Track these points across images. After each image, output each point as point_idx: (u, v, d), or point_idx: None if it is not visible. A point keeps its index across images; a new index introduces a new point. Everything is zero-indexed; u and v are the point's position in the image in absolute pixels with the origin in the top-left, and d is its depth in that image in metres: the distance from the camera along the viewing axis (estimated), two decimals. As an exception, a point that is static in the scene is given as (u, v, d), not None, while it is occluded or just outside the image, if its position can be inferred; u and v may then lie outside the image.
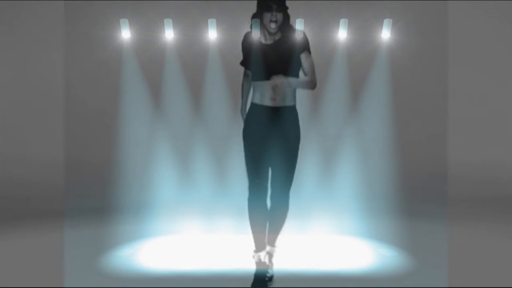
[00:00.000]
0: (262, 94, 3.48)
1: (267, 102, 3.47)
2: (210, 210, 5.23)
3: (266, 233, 3.62)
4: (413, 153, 6.34)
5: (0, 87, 6.43)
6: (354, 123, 6.09)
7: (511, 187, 6.11)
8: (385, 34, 5.42)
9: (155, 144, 6.05)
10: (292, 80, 3.42)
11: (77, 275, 3.63)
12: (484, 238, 4.57)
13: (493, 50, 6.48)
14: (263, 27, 3.45)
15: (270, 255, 3.63)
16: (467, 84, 6.44)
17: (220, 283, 3.54)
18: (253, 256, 3.63)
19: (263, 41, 3.49)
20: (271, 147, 3.51)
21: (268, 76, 3.42)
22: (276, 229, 3.63)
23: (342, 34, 5.38)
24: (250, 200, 3.54)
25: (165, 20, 5.37)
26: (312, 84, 3.49)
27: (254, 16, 3.49)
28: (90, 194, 5.77)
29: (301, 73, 3.53)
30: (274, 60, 3.43)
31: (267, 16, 3.40)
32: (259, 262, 3.59)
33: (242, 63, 3.63)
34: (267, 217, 3.58)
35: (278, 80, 3.35)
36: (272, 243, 3.66)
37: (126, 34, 5.43)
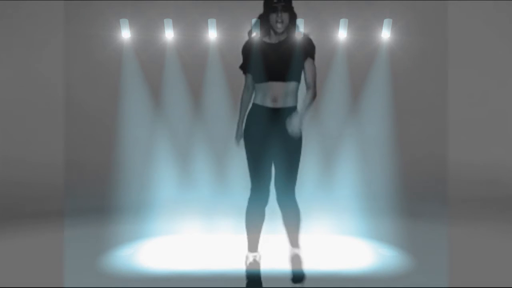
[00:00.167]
0: (263, 95, 3.48)
1: (268, 104, 3.47)
2: (210, 210, 5.23)
3: (289, 233, 3.60)
4: (413, 153, 6.34)
5: (0, 87, 6.43)
6: (354, 123, 6.09)
7: (511, 187, 6.11)
8: (385, 34, 5.43)
9: (155, 144, 6.05)
10: (303, 113, 3.42)
11: (77, 275, 3.62)
12: (484, 238, 4.57)
13: (493, 50, 6.48)
14: (269, 27, 3.46)
15: (297, 256, 3.61)
16: (467, 84, 6.43)
17: (220, 283, 3.54)
18: (246, 257, 3.62)
19: (267, 40, 3.49)
20: (271, 147, 3.51)
21: (268, 77, 3.43)
22: (294, 230, 3.60)
23: (342, 34, 5.38)
24: (251, 201, 3.53)
25: (165, 20, 5.38)
26: (314, 98, 3.50)
27: (260, 17, 3.49)
28: (90, 194, 5.77)
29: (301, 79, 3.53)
30: (274, 61, 3.44)
31: (273, 16, 3.41)
32: (252, 263, 3.58)
33: (241, 67, 3.62)
34: (263, 219, 3.57)
35: (295, 125, 3.34)
36: (295, 245, 3.62)
37: (126, 34, 5.44)
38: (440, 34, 6.26)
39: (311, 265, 3.82)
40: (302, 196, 3.65)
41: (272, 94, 3.45)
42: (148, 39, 5.76)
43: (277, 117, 3.46)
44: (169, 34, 5.45)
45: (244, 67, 3.60)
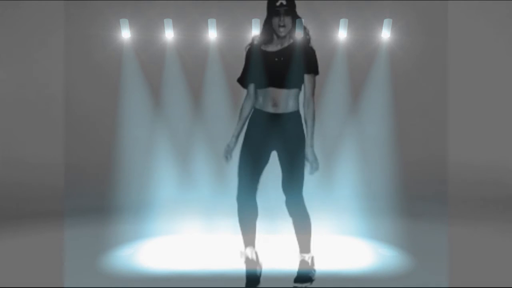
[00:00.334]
0: (264, 100, 3.48)
1: (269, 109, 3.47)
2: (210, 210, 5.23)
3: (298, 238, 3.60)
4: (413, 153, 6.34)
5: (0, 87, 6.43)
6: (354, 123, 6.09)
7: (511, 187, 6.11)
8: (385, 34, 5.42)
9: (155, 144, 6.05)
10: (312, 141, 3.48)
11: (77, 275, 3.63)
12: (484, 238, 4.57)
13: (493, 50, 6.48)
14: (272, 31, 3.45)
15: (305, 262, 3.59)
16: (467, 84, 6.43)
17: (220, 283, 3.54)
18: (240, 255, 3.62)
19: (269, 48, 3.47)
20: (271, 151, 3.52)
21: (269, 83, 3.42)
22: (302, 236, 3.60)
23: (342, 34, 5.38)
24: (239, 198, 3.52)
25: (165, 20, 5.37)
26: (314, 112, 3.51)
27: (265, 22, 3.48)
28: (90, 194, 5.77)
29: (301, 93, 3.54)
30: (276, 67, 3.41)
31: (276, 20, 3.40)
32: (247, 260, 3.58)
33: (239, 80, 3.60)
34: (256, 215, 3.57)
35: (313, 162, 3.44)
36: (306, 250, 3.61)
37: (126, 34, 5.44)
38: (440, 34, 6.26)
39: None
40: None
41: (273, 99, 3.45)
42: (148, 39, 5.76)
43: (278, 122, 3.46)
44: (169, 34, 5.45)
45: (242, 81, 3.58)
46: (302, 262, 3.60)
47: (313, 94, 3.51)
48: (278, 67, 3.43)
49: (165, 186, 5.81)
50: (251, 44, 3.55)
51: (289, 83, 3.44)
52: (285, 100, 3.45)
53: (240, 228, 3.59)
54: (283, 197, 3.52)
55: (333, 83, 5.91)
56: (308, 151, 3.47)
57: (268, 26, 3.46)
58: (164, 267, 3.86)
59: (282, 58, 3.43)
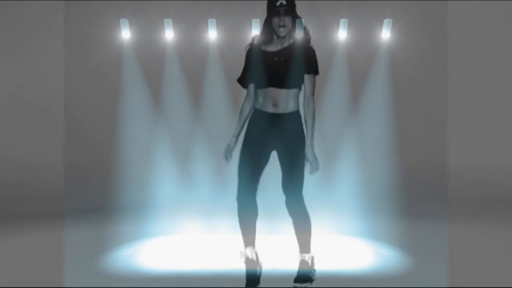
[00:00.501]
0: (264, 100, 3.48)
1: (269, 109, 3.47)
2: (210, 210, 5.23)
3: (298, 238, 3.61)
4: (413, 153, 6.34)
5: (0, 87, 6.43)
6: (354, 123, 6.09)
7: (511, 187, 6.11)
8: (385, 34, 5.42)
9: (155, 144, 6.05)
10: (312, 141, 3.49)
11: (77, 275, 3.63)
12: (484, 237, 4.57)
13: (494, 50, 6.47)
14: (272, 31, 3.45)
15: (305, 262, 3.58)
16: (467, 84, 6.43)
17: (220, 283, 3.54)
18: (240, 255, 3.62)
19: (269, 48, 3.48)
20: (272, 151, 3.52)
21: (269, 83, 3.42)
22: (302, 236, 3.60)
23: (342, 34, 5.38)
24: (239, 198, 3.53)
25: (165, 20, 5.38)
26: (314, 112, 3.51)
27: (265, 22, 3.48)
28: (90, 194, 5.77)
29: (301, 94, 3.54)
30: (276, 67, 3.42)
31: (276, 20, 3.40)
32: (247, 260, 3.58)
33: (239, 80, 3.60)
34: (256, 215, 3.57)
35: (313, 162, 3.45)
36: (306, 250, 3.61)
37: (126, 34, 5.44)
38: (440, 34, 6.25)
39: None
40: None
41: (273, 99, 3.45)
42: (148, 39, 5.76)
43: (278, 122, 3.46)
44: (169, 34, 5.45)
45: (242, 81, 3.59)
46: (302, 262, 3.60)
47: (313, 94, 3.51)
48: (278, 67, 3.43)
49: (165, 186, 5.81)
50: (251, 44, 3.55)
51: (289, 83, 3.44)
52: (285, 100, 3.45)
53: (240, 228, 3.59)
54: (283, 197, 3.52)
55: (333, 83, 5.91)
56: (308, 151, 3.47)
57: (268, 26, 3.46)
58: (164, 267, 3.86)
59: (282, 58, 3.43)
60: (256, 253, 3.61)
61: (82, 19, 6.27)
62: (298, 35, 3.46)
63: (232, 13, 5.67)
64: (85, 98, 6.43)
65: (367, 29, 5.66)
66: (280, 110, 3.46)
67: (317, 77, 3.54)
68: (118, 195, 5.56)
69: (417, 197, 5.79)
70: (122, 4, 5.86)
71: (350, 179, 5.87)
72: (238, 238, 3.63)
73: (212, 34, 5.44)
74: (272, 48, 3.48)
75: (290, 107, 3.47)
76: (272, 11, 3.41)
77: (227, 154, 3.62)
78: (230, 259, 3.94)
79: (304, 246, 3.62)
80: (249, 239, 3.61)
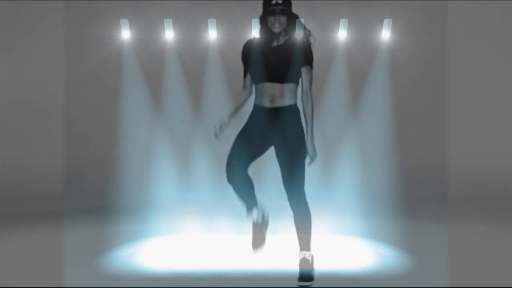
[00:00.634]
0: (261, 95, 3.50)
1: (267, 104, 3.49)
2: (210, 210, 5.23)
3: (298, 235, 3.60)
4: (413, 153, 6.34)
5: (0, 87, 6.43)
6: (354, 123, 6.09)
7: (511, 188, 6.11)
8: (385, 34, 5.43)
9: (155, 144, 6.05)
10: (312, 134, 3.49)
11: (77, 275, 3.62)
12: (484, 237, 4.57)
13: (494, 50, 6.47)
14: (268, 29, 3.46)
15: (305, 260, 3.59)
16: (467, 84, 6.43)
17: (220, 283, 3.54)
18: (247, 218, 3.60)
19: (265, 45, 3.49)
20: (269, 145, 3.52)
21: (266, 78, 3.44)
22: (302, 233, 3.60)
23: (342, 34, 5.38)
24: (228, 167, 3.52)
25: (165, 20, 5.38)
26: (313, 107, 3.51)
27: (260, 20, 3.50)
28: (90, 194, 5.77)
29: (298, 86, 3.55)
30: (273, 62, 3.45)
31: (271, 19, 3.42)
32: (254, 225, 3.57)
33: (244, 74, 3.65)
34: (252, 185, 3.56)
35: (312, 153, 3.47)
36: (306, 248, 3.61)
37: (126, 34, 5.44)
38: (440, 34, 6.25)
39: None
40: (302, 196, 3.64)
41: (270, 94, 3.47)
42: (148, 39, 5.77)
43: (276, 117, 3.48)
44: (169, 34, 5.45)
45: (244, 71, 3.62)
46: (303, 260, 3.59)
47: (310, 87, 3.51)
48: (274, 62, 3.45)
49: (165, 186, 5.81)
50: (248, 41, 3.58)
51: (286, 78, 3.45)
52: (282, 94, 3.46)
53: (238, 197, 3.57)
54: (283, 197, 3.52)
55: (333, 83, 5.92)
56: (308, 144, 3.46)
57: (263, 25, 3.48)
58: (164, 267, 3.86)
59: (278, 54, 3.45)
60: (262, 211, 3.59)
61: (82, 19, 6.27)
62: (299, 35, 3.47)
63: (232, 13, 5.68)
64: (85, 98, 6.43)
65: (367, 29, 5.66)
66: (277, 104, 3.47)
67: (317, 77, 3.55)
68: (118, 195, 5.56)
69: (417, 197, 5.79)
70: (122, 4, 5.86)
71: (350, 179, 5.87)
72: (238, 238, 3.63)
73: (212, 34, 5.44)
74: (268, 45, 3.50)
75: (286, 101, 3.48)
76: (268, 10, 3.42)
77: (217, 132, 3.63)
78: (230, 259, 3.94)
79: (304, 244, 3.61)
80: (250, 203, 3.59)
